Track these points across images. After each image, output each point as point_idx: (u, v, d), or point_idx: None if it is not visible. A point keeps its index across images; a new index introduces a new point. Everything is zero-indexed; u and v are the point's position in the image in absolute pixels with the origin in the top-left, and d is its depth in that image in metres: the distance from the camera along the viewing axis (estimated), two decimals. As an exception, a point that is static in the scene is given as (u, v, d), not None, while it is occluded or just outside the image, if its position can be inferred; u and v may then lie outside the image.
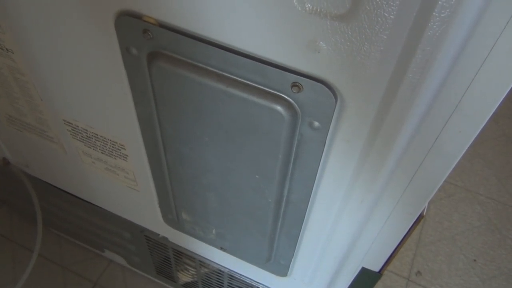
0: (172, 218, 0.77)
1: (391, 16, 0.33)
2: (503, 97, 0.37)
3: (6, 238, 1.27)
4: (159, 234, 0.90)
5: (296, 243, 0.66)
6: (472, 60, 0.35)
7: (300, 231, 0.62)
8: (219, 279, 0.95)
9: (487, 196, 1.49)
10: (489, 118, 0.39)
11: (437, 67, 0.35)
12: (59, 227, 1.20)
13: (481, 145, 1.65)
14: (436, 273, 1.30)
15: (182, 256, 0.94)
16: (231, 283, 0.93)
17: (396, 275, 1.29)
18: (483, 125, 0.40)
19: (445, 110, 0.39)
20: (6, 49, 0.60)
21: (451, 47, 0.34)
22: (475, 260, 1.34)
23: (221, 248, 0.77)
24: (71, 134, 0.71)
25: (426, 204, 0.52)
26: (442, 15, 0.32)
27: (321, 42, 0.37)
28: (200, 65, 0.46)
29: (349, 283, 0.71)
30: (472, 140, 0.42)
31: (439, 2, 0.31)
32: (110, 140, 0.67)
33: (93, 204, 0.93)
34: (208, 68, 0.45)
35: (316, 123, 0.45)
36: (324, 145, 0.47)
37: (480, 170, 1.57)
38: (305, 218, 0.60)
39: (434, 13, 0.32)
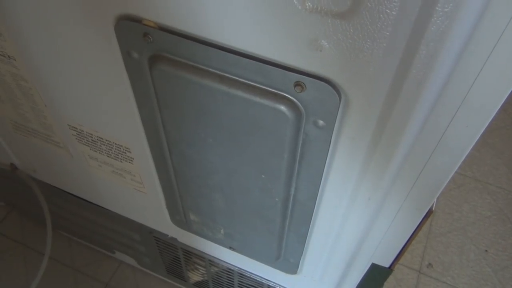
0: (180, 219, 0.77)
1: (393, 12, 0.32)
2: (511, 90, 0.37)
3: (18, 242, 1.28)
4: (168, 235, 0.90)
5: (305, 241, 0.65)
6: (478, 53, 0.34)
7: (308, 230, 0.62)
8: (229, 277, 0.95)
9: (497, 185, 1.48)
10: (496, 112, 0.38)
11: (442, 62, 0.35)
12: (69, 230, 1.21)
13: (490, 134, 1.63)
14: (447, 264, 1.29)
15: (191, 256, 0.95)
16: (241, 281, 0.93)
17: (407, 268, 1.29)
18: (491, 119, 0.39)
19: (452, 105, 0.39)
20: (8, 56, 0.60)
21: (456, 41, 0.33)
22: (486, 251, 1.32)
23: (230, 248, 0.77)
24: (76, 139, 0.71)
25: (435, 199, 0.52)
26: (446, 9, 0.31)
27: (323, 41, 0.37)
28: (202, 66, 0.45)
29: (360, 279, 0.70)
30: (480, 134, 0.41)
31: (442, -3, 0.30)
32: (115, 144, 0.67)
33: (101, 207, 0.93)
34: (210, 69, 0.45)
35: (321, 122, 0.44)
36: (330, 144, 0.46)
37: (490, 160, 1.55)
38: (313, 217, 0.59)
39: (437, 8, 0.31)
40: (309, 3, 0.35)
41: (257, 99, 0.44)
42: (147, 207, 0.81)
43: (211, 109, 0.49)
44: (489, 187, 1.48)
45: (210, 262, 0.92)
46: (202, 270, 1.00)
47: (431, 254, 1.32)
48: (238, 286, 0.96)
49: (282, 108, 0.44)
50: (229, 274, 0.94)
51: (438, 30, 0.32)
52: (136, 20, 0.44)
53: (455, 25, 0.32)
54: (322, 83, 0.40)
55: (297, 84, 0.41)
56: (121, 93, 0.55)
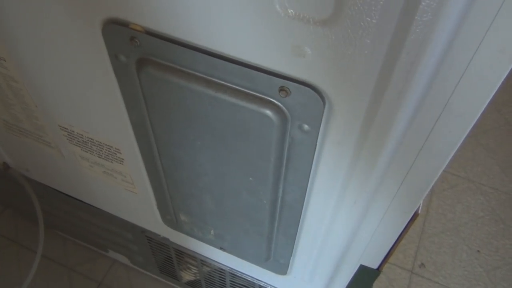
0: (170, 219, 0.77)
1: (373, 21, 0.33)
2: (491, 96, 0.37)
3: (12, 241, 1.28)
4: (159, 235, 0.90)
5: (294, 243, 0.66)
6: (458, 61, 0.34)
7: (297, 231, 0.63)
8: (221, 277, 0.95)
9: (490, 186, 1.48)
10: (477, 118, 0.39)
11: (422, 69, 0.35)
12: (62, 228, 1.21)
13: (484, 135, 1.64)
14: (439, 265, 1.30)
15: (183, 255, 0.95)
16: (233, 281, 0.93)
17: (400, 267, 1.29)
18: (473, 124, 0.40)
19: (434, 110, 0.39)
20: (-2, 57, 0.60)
21: (435, 49, 0.34)
22: (479, 251, 1.33)
23: (221, 248, 0.78)
24: (67, 139, 0.71)
25: (421, 202, 0.52)
26: (424, 18, 0.31)
27: (306, 47, 0.37)
28: (188, 71, 0.45)
29: (349, 280, 0.71)
30: (462, 139, 0.41)
31: (420, 6, 0.30)
32: (106, 145, 0.67)
33: (94, 206, 0.93)
34: (196, 73, 0.45)
35: (306, 126, 0.44)
36: (315, 148, 0.47)
37: (483, 160, 1.56)
38: (301, 219, 0.60)
39: (416, 17, 0.31)
40: (291, 10, 0.35)
41: (243, 103, 0.45)
42: (138, 207, 0.81)
43: (199, 112, 0.49)
44: (482, 187, 1.48)
45: (202, 262, 0.93)
46: (194, 269, 1.01)
47: (424, 254, 1.33)
48: (230, 285, 0.96)
49: (268, 112, 0.44)
50: (221, 274, 0.94)
51: (417, 38, 0.33)
52: (123, 24, 0.45)
53: (435, 34, 0.32)
54: (306, 88, 0.40)
55: (282, 89, 0.42)
56: (110, 96, 0.55)
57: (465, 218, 1.41)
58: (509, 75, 0.36)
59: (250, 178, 0.55)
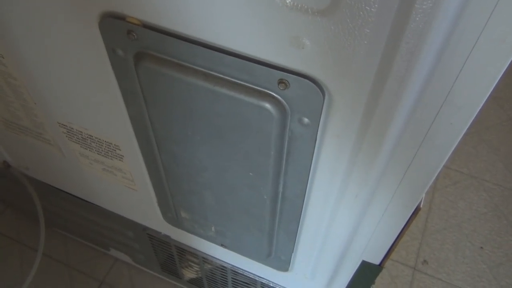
0: (171, 216, 0.77)
1: (373, 10, 0.32)
2: (493, 87, 0.36)
3: (13, 239, 1.28)
4: (161, 232, 0.90)
5: (295, 239, 0.65)
6: (459, 50, 0.34)
7: (298, 227, 0.62)
8: (223, 274, 0.95)
9: (493, 182, 1.48)
10: (479, 110, 0.38)
11: (423, 59, 0.34)
12: (63, 227, 1.21)
13: (487, 131, 1.63)
14: (442, 261, 1.30)
15: (185, 253, 0.95)
16: (235, 278, 0.93)
17: (402, 264, 1.29)
18: (474, 116, 0.39)
19: (435, 102, 0.39)
20: (-4, 54, 0.60)
21: (436, 38, 0.33)
22: (482, 248, 1.32)
23: (222, 245, 0.77)
24: (66, 136, 0.71)
25: (423, 196, 0.52)
26: (424, 6, 0.31)
27: (304, 38, 0.37)
28: (186, 64, 0.45)
29: (351, 276, 0.70)
30: (464, 131, 0.41)
31: (420, -6, 0.30)
32: (105, 141, 0.67)
33: (94, 204, 0.93)
34: (194, 67, 0.45)
35: (306, 119, 0.44)
36: (315, 141, 0.46)
37: (486, 156, 1.55)
38: (302, 214, 0.59)
39: (415, 5, 0.31)
40: (289, 0, 0.34)
41: (242, 96, 0.44)
42: (139, 204, 0.81)
43: (197, 107, 0.48)
44: (485, 183, 1.48)
45: (203, 259, 0.92)
46: (196, 267, 1.00)
47: (426, 251, 1.32)
48: (232, 283, 0.96)
49: (267, 105, 0.44)
50: (222, 271, 0.94)
51: (417, 27, 0.32)
52: (120, 18, 0.44)
53: (435, 23, 0.32)
54: (306, 80, 0.40)
55: (281, 81, 0.41)
56: (108, 91, 0.55)
57: (468, 214, 1.40)
58: (512, 71, 0.36)
59: (250, 173, 0.54)
